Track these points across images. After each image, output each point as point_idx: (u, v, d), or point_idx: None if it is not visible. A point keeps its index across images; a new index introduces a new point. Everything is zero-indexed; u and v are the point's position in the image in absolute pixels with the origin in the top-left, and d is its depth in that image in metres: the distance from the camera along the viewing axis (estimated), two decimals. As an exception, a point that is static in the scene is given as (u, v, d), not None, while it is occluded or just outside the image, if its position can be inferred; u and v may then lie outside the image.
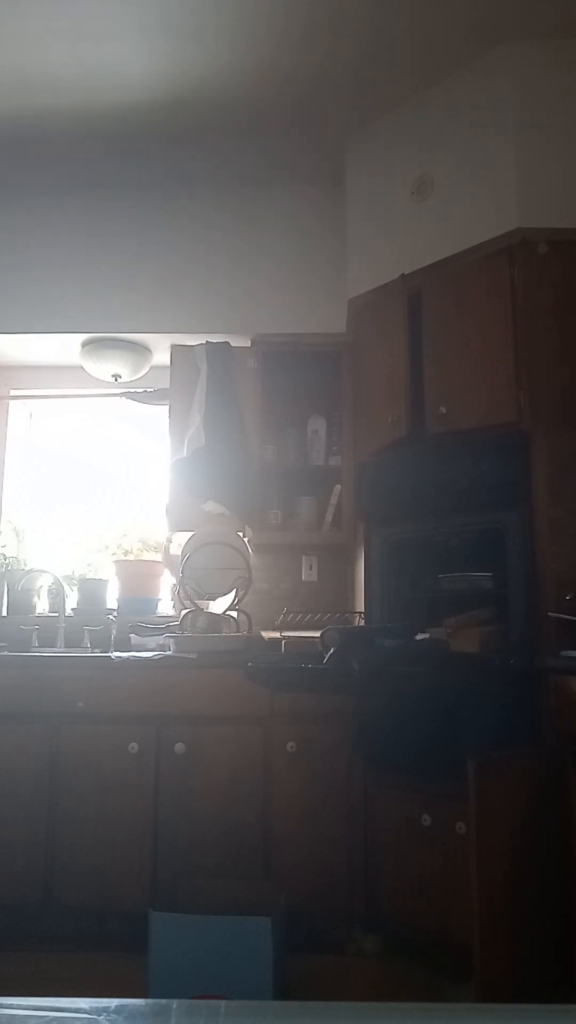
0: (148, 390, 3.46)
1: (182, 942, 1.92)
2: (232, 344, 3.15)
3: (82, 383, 3.53)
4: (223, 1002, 0.94)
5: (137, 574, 3.35)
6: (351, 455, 3.02)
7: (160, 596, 3.34)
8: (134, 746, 2.46)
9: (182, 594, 3.06)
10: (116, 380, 3.37)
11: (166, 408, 3.19)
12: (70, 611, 3.25)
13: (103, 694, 2.50)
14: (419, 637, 2.36)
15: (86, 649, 3.03)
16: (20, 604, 3.25)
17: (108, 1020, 0.79)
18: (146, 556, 3.54)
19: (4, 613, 3.23)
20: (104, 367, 3.32)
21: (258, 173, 3.19)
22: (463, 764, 1.79)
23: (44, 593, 3.35)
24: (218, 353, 3.11)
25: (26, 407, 3.69)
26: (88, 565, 3.56)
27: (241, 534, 3.24)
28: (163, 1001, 0.93)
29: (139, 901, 2.30)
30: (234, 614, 3.07)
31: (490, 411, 2.40)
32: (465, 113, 2.61)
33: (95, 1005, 0.81)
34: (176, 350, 3.18)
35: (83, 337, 3.29)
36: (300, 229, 3.24)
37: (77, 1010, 0.82)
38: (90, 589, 3.30)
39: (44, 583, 3.35)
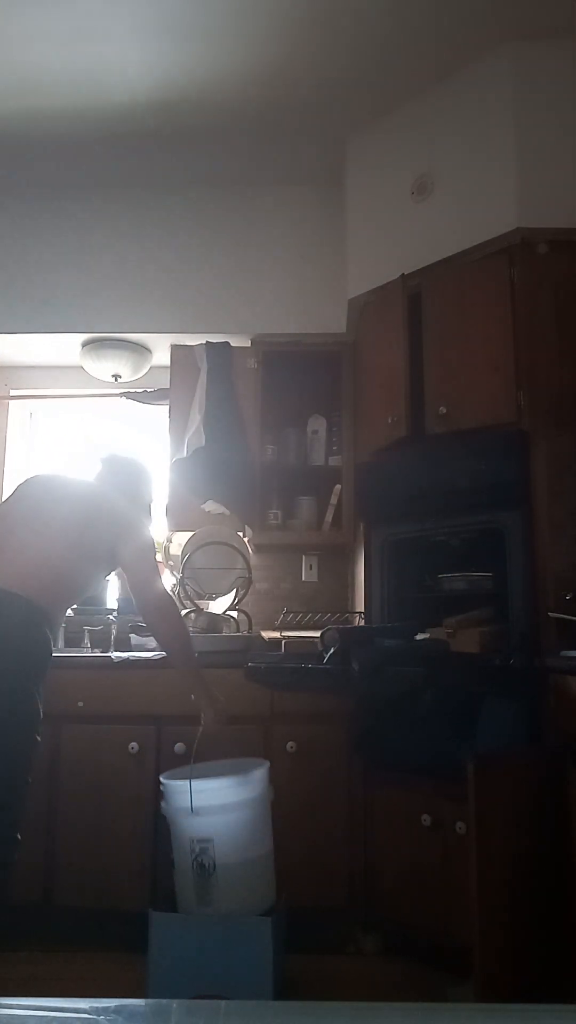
0: (148, 390, 3.46)
1: (182, 942, 1.92)
2: (232, 344, 3.15)
3: (82, 383, 3.53)
4: (223, 1002, 0.94)
5: (137, 574, 3.34)
6: (351, 455, 3.02)
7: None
8: (134, 746, 2.46)
9: (182, 594, 3.06)
10: (116, 380, 3.38)
11: (166, 408, 3.19)
12: (70, 611, 3.25)
13: (103, 694, 2.50)
14: (419, 637, 2.36)
15: (86, 649, 3.03)
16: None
17: (108, 1020, 0.79)
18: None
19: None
20: (104, 367, 3.32)
21: (258, 173, 3.19)
22: (463, 764, 1.78)
23: (44, 593, 3.35)
24: (218, 353, 3.11)
25: (26, 407, 3.69)
26: (88, 565, 3.56)
27: (241, 534, 3.24)
28: (163, 1001, 0.93)
29: (139, 901, 2.29)
30: (234, 614, 3.07)
31: (490, 411, 2.40)
32: (465, 113, 2.61)
33: (95, 1005, 0.81)
34: (176, 350, 3.19)
35: (83, 337, 3.29)
36: (300, 229, 3.24)
37: (77, 1010, 0.82)
38: (90, 589, 3.30)
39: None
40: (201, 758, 2.14)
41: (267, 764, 2.19)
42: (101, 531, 2.10)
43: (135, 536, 2.14)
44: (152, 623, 2.16)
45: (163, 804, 2.11)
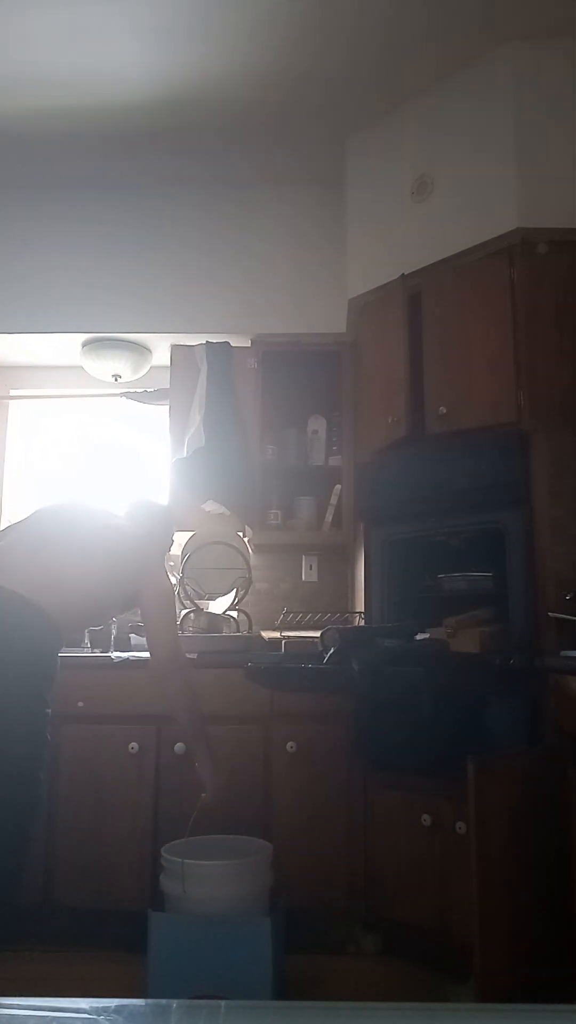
0: (148, 390, 3.46)
1: (181, 942, 1.92)
2: (232, 344, 3.15)
3: (82, 383, 3.53)
4: (223, 1002, 0.94)
5: (137, 574, 3.34)
6: (351, 455, 3.02)
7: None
8: (134, 746, 2.46)
9: (182, 594, 3.06)
10: (116, 380, 3.37)
11: (166, 408, 3.19)
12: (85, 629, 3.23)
13: (103, 694, 2.50)
14: (419, 637, 2.36)
15: (86, 649, 3.03)
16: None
17: (108, 1020, 0.79)
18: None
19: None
20: (104, 367, 3.32)
21: (258, 173, 3.19)
22: (463, 764, 1.78)
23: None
24: (218, 353, 3.11)
25: (26, 407, 3.69)
26: (88, 565, 3.55)
27: (241, 534, 3.24)
28: (163, 1001, 0.93)
29: (139, 901, 2.29)
30: (234, 614, 3.07)
31: (490, 411, 2.40)
32: (465, 113, 2.61)
33: (95, 1005, 0.81)
34: (176, 350, 3.18)
35: (83, 337, 3.29)
36: (300, 229, 3.24)
37: (77, 1010, 0.82)
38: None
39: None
40: (199, 830, 2.13)
41: (269, 848, 2.15)
42: (129, 574, 2.13)
43: (161, 592, 2.17)
44: (162, 678, 2.15)
45: (162, 877, 2.09)
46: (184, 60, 2.57)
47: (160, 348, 3.33)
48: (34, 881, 2.37)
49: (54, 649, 1.96)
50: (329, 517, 3.06)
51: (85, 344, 3.32)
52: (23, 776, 1.85)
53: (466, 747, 1.91)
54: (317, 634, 2.52)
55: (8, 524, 2.55)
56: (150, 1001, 0.91)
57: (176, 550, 3.24)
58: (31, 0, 2.30)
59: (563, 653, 2.07)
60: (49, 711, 1.92)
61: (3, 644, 1.87)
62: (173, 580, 3.12)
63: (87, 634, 3.08)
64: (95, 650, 2.98)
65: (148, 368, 3.41)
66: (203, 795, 2.12)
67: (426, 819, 2.21)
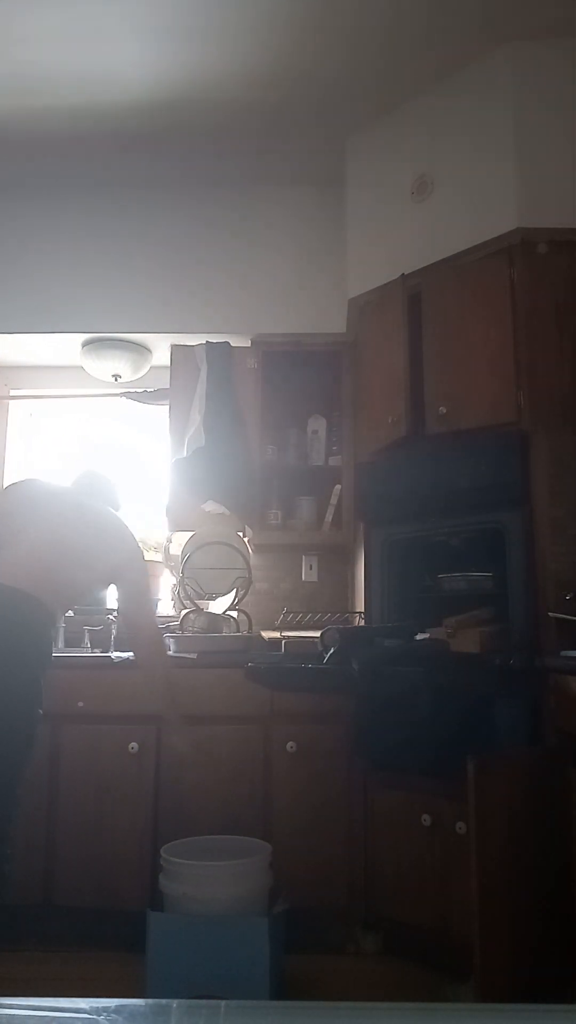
0: (148, 390, 3.46)
1: (180, 942, 1.92)
2: (232, 344, 3.15)
3: (82, 383, 3.53)
4: (223, 1002, 0.94)
5: (137, 574, 3.34)
6: (351, 455, 3.02)
7: (160, 596, 3.34)
8: (134, 746, 2.46)
9: (182, 594, 3.06)
10: (116, 380, 3.37)
11: (166, 408, 3.19)
12: (70, 611, 3.24)
13: (103, 694, 2.50)
14: (419, 637, 2.36)
15: (86, 649, 3.03)
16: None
17: (108, 1020, 0.79)
18: (146, 556, 3.53)
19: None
20: (104, 367, 3.32)
21: (258, 173, 3.19)
22: (463, 764, 1.78)
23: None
24: (218, 353, 3.11)
25: (26, 407, 3.69)
26: (88, 565, 3.55)
27: (241, 534, 3.24)
28: (163, 1001, 0.93)
29: (139, 901, 2.29)
30: (234, 614, 3.07)
31: (490, 411, 2.40)
32: (465, 113, 2.61)
33: (95, 1005, 0.81)
34: (176, 350, 3.18)
35: (83, 337, 3.29)
36: (300, 229, 3.24)
37: (77, 1010, 0.82)
38: (90, 589, 3.29)
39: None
40: (198, 830, 2.17)
41: (268, 848, 2.18)
42: (107, 549, 2.19)
43: (138, 570, 2.23)
44: (140, 656, 2.26)
45: (161, 877, 2.10)
46: (184, 60, 2.57)
47: (160, 348, 3.33)
48: (34, 881, 2.37)
49: (49, 639, 2.01)
50: (329, 517, 3.06)
51: (85, 344, 3.32)
52: (15, 770, 1.88)
53: (466, 747, 1.90)
54: (317, 634, 2.52)
55: None
56: (150, 1001, 0.91)
57: (176, 550, 3.24)
58: (31, 0, 2.30)
59: (563, 653, 2.07)
60: (41, 711, 1.95)
61: (4, 640, 1.89)
62: (173, 580, 3.13)
63: (87, 634, 3.09)
64: (95, 650, 2.99)
65: (148, 368, 3.41)
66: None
67: (426, 819, 2.21)
